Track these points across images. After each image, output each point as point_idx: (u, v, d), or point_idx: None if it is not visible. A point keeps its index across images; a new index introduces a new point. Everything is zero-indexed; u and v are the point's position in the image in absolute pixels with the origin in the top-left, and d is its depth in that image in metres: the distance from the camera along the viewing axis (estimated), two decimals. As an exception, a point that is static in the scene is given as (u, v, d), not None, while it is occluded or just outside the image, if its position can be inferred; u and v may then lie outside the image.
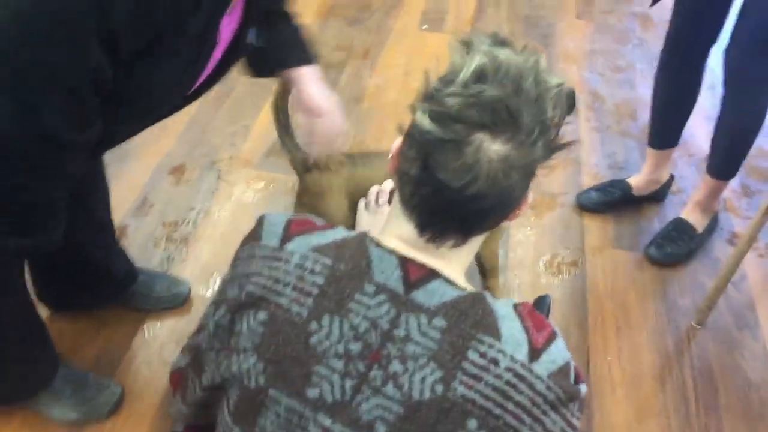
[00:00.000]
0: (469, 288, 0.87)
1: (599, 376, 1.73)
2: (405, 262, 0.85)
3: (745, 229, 2.09)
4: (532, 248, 2.05)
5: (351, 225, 1.61)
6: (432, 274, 0.85)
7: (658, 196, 2.20)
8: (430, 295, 0.83)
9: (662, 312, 1.89)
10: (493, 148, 0.78)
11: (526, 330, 0.84)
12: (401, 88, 2.66)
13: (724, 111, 1.89)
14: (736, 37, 1.72)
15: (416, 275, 0.84)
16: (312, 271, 0.86)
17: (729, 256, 1.77)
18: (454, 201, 0.80)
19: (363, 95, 2.60)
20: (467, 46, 0.83)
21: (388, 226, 0.90)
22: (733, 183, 2.30)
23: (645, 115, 2.55)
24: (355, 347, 0.83)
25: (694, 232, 2.04)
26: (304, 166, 1.57)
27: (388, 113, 2.52)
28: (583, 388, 0.88)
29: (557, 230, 2.12)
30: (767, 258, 2.05)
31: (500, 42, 0.83)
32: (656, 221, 2.15)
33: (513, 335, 0.83)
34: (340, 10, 3.11)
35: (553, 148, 0.83)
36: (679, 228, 2.04)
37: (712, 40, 1.86)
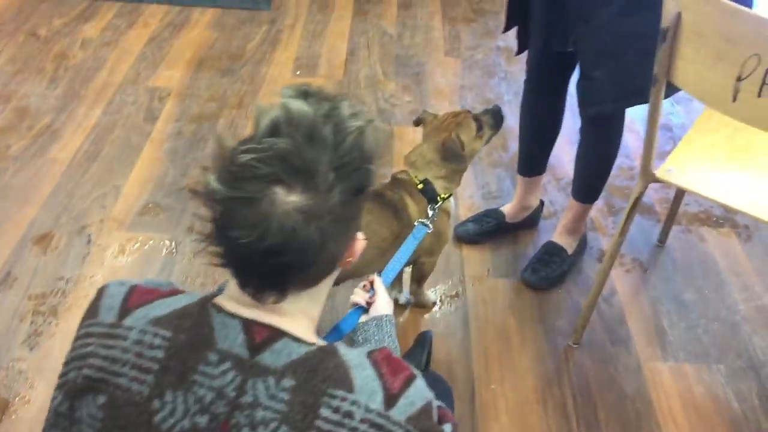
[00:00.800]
0: (319, 342, 0.85)
1: (484, 405, 1.75)
2: (249, 324, 0.83)
3: (607, 244, 2.19)
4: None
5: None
6: (277, 334, 0.83)
7: (530, 222, 2.28)
8: (276, 355, 0.82)
9: (541, 335, 1.94)
10: (288, 200, 0.77)
11: (381, 376, 0.83)
12: (277, 135, 2.66)
13: (581, 139, 1.99)
14: (583, 69, 1.81)
15: (261, 337, 0.82)
16: (151, 346, 0.83)
17: (596, 273, 1.85)
18: (250, 258, 0.79)
19: (392, 134, 2.60)
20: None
21: (227, 288, 0.88)
22: (599, 202, 2.41)
23: (514, 145, 2.65)
24: (203, 420, 0.80)
25: (565, 254, 2.12)
26: None
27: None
28: (447, 428, 0.88)
29: (438, 264, 2.15)
30: (633, 273, 2.15)
31: (302, 93, 0.84)
32: (531, 247, 2.23)
33: (367, 384, 0.82)
34: (211, 61, 3.09)
35: (358, 189, 0.83)
36: (551, 251, 2.12)
37: (568, 68, 1.95)
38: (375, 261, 1.66)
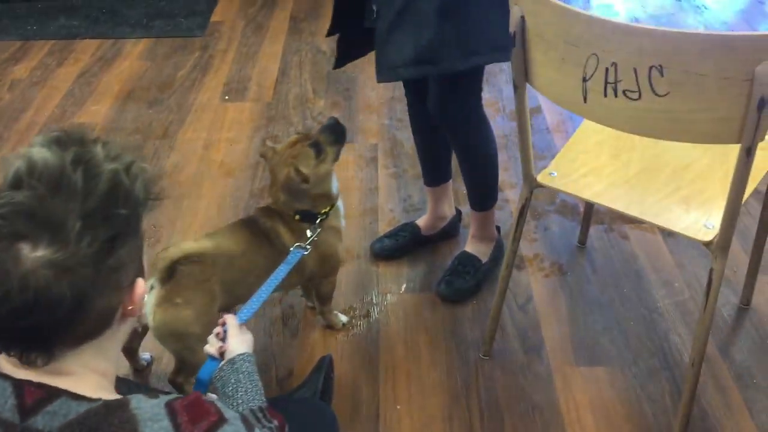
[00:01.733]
0: (109, 398, 0.81)
1: (389, 427, 1.72)
2: (21, 386, 0.79)
3: (531, 252, 2.16)
4: (326, 306, 2.04)
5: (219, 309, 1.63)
6: (53, 394, 0.79)
7: (448, 233, 2.25)
8: (50, 417, 0.77)
9: (453, 349, 1.91)
10: (33, 256, 0.73)
11: (177, 427, 0.79)
12: (200, 161, 2.64)
13: (455, 152, 1.99)
14: (430, 88, 1.79)
15: (33, 398, 0.78)
16: None
17: (500, 279, 1.81)
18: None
19: (161, 174, 2.57)
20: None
21: None
22: (521, 207, 2.38)
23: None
24: None
25: (479, 263, 2.09)
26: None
27: (185, 189, 2.49)
28: None
29: (352, 283, 2.12)
30: (551, 277, 2.11)
31: (53, 140, 0.79)
32: (449, 258, 2.19)
33: None
34: (139, 92, 3.08)
35: (113, 236, 0.78)
36: (464, 261, 2.09)
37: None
38: (254, 286, 1.64)
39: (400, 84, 2.98)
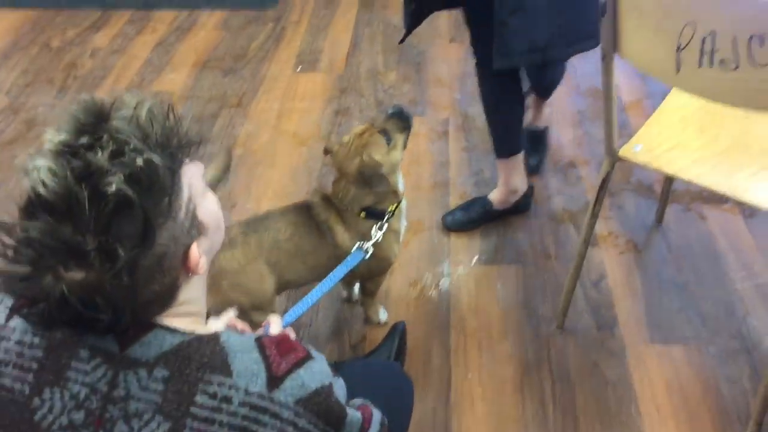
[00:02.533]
0: (200, 330, 0.84)
1: (460, 394, 1.73)
2: None
3: (606, 230, 2.14)
4: (398, 275, 2.06)
5: (275, 290, 1.65)
6: (148, 326, 0.82)
7: (520, 207, 2.24)
8: (147, 347, 0.81)
9: (525, 321, 1.91)
10: (68, 276, 0.75)
11: (266, 359, 0.82)
12: (273, 130, 2.68)
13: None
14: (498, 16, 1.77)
15: (131, 330, 0.82)
16: (31, 345, 0.84)
17: (576, 254, 1.80)
18: (78, 321, 0.79)
19: (235, 143, 2.62)
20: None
21: None
22: (595, 183, 2.34)
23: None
24: (78, 416, 0.81)
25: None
26: None
27: (258, 157, 2.53)
28: (352, 413, 0.86)
29: (424, 254, 2.14)
30: (626, 255, 2.09)
31: (57, 153, 0.76)
32: (521, 233, 2.19)
33: (247, 368, 0.81)
34: (215, 62, 3.14)
35: (140, 237, 0.76)
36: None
37: None
38: (302, 272, 1.67)
39: (471, 60, 2.97)
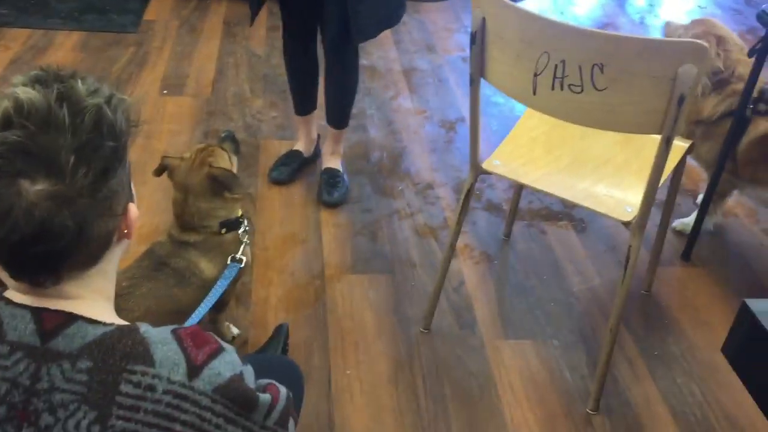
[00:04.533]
0: (118, 322, 0.87)
1: (340, 388, 1.86)
2: (39, 312, 0.84)
3: (462, 243, 2.38)
4: (277, 283, 2.16)
5: None
6: (70, 318, 0.84)
7: (318, 153, 2.76)
8: (70, 339, 0.83)
9: (395, 324, 2.08)
10: (33, 190, 0.77)
11: (185, 350, 0.85)
12: (142, 150, 2.70)
13: (329, 77, 2.52)
14: (350, 5, 2.21)
15: (52, 323, 0.83)
16: None
17: (441, 260, 2.01)
18: (7, 250, 0.79)
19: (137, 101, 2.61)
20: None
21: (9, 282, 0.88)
22: (451, 203, 2.60)
23: (376, 154, 2.82)
24: (1, 411, 0.82)
25: (341, 175, 2.63)
26: None
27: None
28: (262, 396, 0.90)
29: (300, 264, 2.26)
30: (481, 264, 2.33)
31: (34, 79, 0.82)
32: (388, 246, 2.37)
33: (168, 357, 0.84)
34: (76, 82, 3.10)
35: (105, 167, 0.82)
36: (334, 174, 2.62)
37: (314, 30, 2.43)
38: (165, 321, 1.65)
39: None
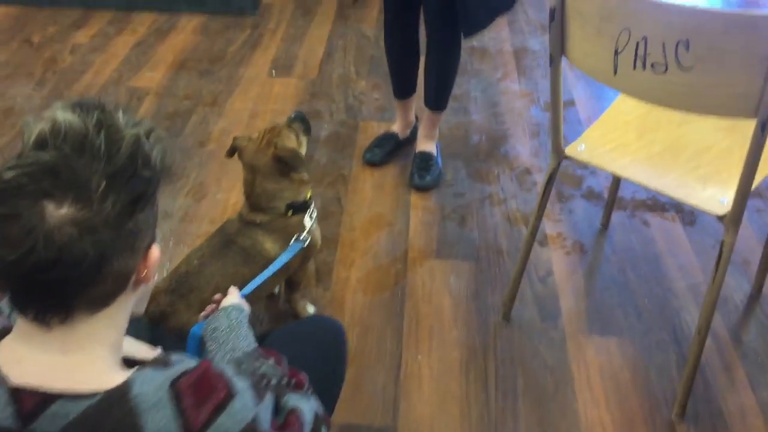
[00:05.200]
0: (111, 381, 0.79)
1: (409, 375, 1.84)
2: (17, 393, 0.78)
3: (555, 231, 2.28)
4: (358, 264, 2.17)
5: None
6: (50, 398, 0.78)
7: (414, 135, 2.69)
8: (50, 420, 0.77)
9: (473, 311, 2.02)
10: (58, 214, 0.74)
11: (182, 413, 0.79)
12: (246, 128, 2.79)
13: (430, 58, 2.45)
14: (426, 5, 2.29)
15: (31, 404, 0.78)
16: None
17: (521, 246, 1.92)
18: (21, 275, 0.75)
19: (208, 139, 2.72)
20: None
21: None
22: (548, 191, 2.49)
23: (475, 137, 2.76)
24: None
25: (434, 158, 2.57)
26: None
27: (230, 154, 2.63)
28: None
29: (384, 246, 2.25)
30: (572, 254, 2.22)
31: (74, 105, 0.81)
32: (476, 231, 2.31)
33: (159, 429, 0.77)
34: (192, 63, 3.24)
35: (136, 198, 0.79)
36: (426, 158, 2.56)
37: (419, 4, 2.35)
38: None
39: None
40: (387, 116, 2.89)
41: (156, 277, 0.92)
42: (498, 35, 3.55)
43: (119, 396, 0.78)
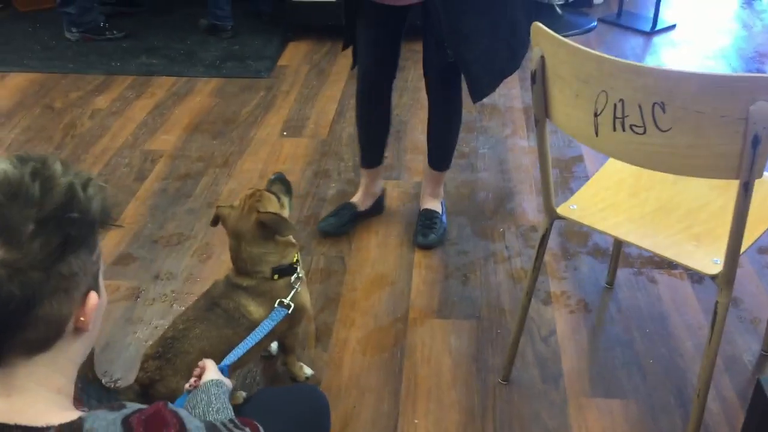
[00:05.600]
0: (63, 419, 0.81)
1: (405, 438, 1.81)
2: None
3: (559, 290, 2.25)
4: (358, 322, 2.16)
5: None
6: (4, 430, 0.79)
7: (378, 207, 2.67)
8: None
9: (473, 373, 1.99)
10: None
11: None
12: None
13: (433, 118, 2.47)
14: (430, 39, 2.23)
15: None
16: None
17: (520, 307, 1.90)
18: None
19: (216, 199, 2.76)
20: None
21: None
22: (553, 246, 2.47)
23: (482, 194, 2.76)
24: None
25: (439, 216, 2.56)
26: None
27: (238, 215, 2.67)
28: None
29: (385, 305, 2.24)
30: (576, 313, 2.19)
31: (15, 158, 0.84)
32: (479, 290, 2.29)
33: None
34: (206, 125, 3.32)
35: (65, 239, 0.80)
36: (431, 216, 2.55)
37: (392, 77, 2.39)
38: (219, 362, 1.59)
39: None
40: (394, 175, 2.92)
41: (99, 326, 0.92)
42: (508, 92, 3.58)
43: (72, 430, 0.78)
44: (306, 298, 1.82)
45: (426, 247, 2.48)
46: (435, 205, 2.60)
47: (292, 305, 1.70)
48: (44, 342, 0.83)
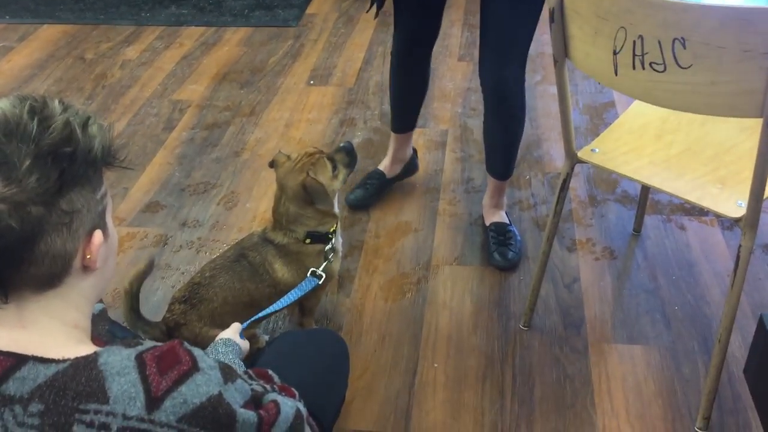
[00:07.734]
0: (79, 352, 0.83)
1: (424, 381, 1.82)
2: None
3: (584, 237, 2.22)
4: (381, 270, 2.17)
5: None
6: (21, 360, 0.81)
7: (408, 171, 2.50)
8: (21, 383, 0.80)
9: (494, 319, 1.99)
10: None
11: (145, 380, 0.81)
12: (280, 137, 2.83)
13: (486, 117, 2.16)
14: (485, 51, 2.03)
15: (2, 367, 0.81)
16: None
17: (540, 253, 1.88)
18: None
19: (243, 148, 2.78)
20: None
21: None
22: (581, 193, 2.43)
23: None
24: None
25: (510, 229, 2.25)
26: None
27: (264, 161, 2.68)
28: (245, 415, 0.85)
29: (408, 252, 2.24)
30: (601, 260, 2.16)
31: (16, 97, 0.84)
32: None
33: (124, 392, 0.80)
34: (233, 75, 3.32)
35: (62, 172, 0.81)
36: (503, 232, 2.23)
37: (431, 42, 2.24)
38: (240, 312, 1.63)
39: (476, 74, 3.11)
40: (420, 123, 2.87)
41: (113, 265, 0.94)
42: (539, 37, 3.47)
43: (87, 363, 0.81)
44: (336, 268, 1.81)
45: (508, 269, 2.16)
46: (502, 216, 2.29)
47: (324, 276, 1.69)
48: (51, 278, 0.84)
